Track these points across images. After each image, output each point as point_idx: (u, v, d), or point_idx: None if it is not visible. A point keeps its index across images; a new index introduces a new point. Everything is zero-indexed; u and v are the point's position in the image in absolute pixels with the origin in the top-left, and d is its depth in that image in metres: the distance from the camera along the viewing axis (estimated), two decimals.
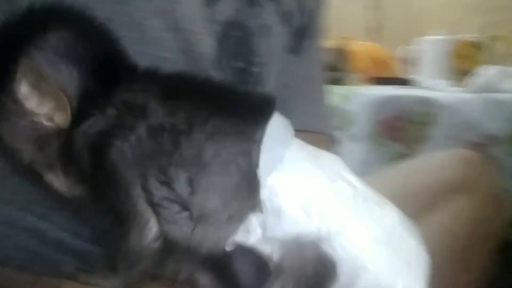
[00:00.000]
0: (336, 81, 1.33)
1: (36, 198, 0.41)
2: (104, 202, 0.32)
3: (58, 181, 0.33)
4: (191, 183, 0.29)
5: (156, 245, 0.31)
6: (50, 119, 0.31)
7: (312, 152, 0.35)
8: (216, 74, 0.47)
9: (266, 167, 0.29)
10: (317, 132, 0.63)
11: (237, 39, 0.50)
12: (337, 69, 1.38)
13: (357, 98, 1.21)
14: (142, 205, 0.30)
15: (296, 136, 0.37)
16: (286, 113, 0.57)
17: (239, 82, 0.51)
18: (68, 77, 0.30)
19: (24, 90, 0.30)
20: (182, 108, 0.30)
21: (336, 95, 1.20)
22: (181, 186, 0.29)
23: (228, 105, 0.32)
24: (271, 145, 0.30)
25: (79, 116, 0.31)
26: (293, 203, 0.30)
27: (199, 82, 0.34)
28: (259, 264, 0.30)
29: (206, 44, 0.47)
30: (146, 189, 0.29)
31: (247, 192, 0.30)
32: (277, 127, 0.33)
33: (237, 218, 0.30)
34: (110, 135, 0.30)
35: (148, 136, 0.29)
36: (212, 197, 0.29)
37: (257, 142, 0.30)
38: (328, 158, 0.35)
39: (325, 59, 0.79)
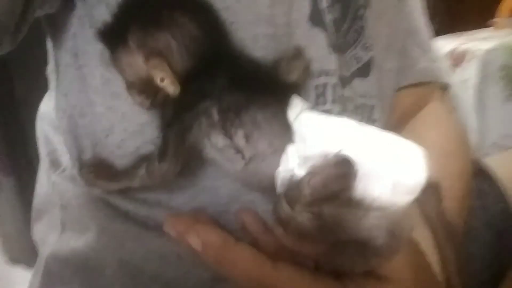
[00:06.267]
0: None
1: None
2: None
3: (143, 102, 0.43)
4: (246, 136, 0.41)
5: None
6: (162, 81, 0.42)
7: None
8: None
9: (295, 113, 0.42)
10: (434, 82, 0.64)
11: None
12: None
13: None
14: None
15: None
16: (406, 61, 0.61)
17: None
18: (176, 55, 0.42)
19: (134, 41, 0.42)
20: (242, 92, 0.42)
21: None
22: (238, 139, 0.41)
23: (273, 89, 0.44)
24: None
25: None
26: (313, 131, 0.41)
27: (257, 69, 0.45)
28: None
29: None
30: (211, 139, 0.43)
31: (285, 132, 0.41)
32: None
33: (279, 151, 0.41)
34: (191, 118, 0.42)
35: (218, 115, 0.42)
36: (262, 142, 0.41)
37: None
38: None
39: None
